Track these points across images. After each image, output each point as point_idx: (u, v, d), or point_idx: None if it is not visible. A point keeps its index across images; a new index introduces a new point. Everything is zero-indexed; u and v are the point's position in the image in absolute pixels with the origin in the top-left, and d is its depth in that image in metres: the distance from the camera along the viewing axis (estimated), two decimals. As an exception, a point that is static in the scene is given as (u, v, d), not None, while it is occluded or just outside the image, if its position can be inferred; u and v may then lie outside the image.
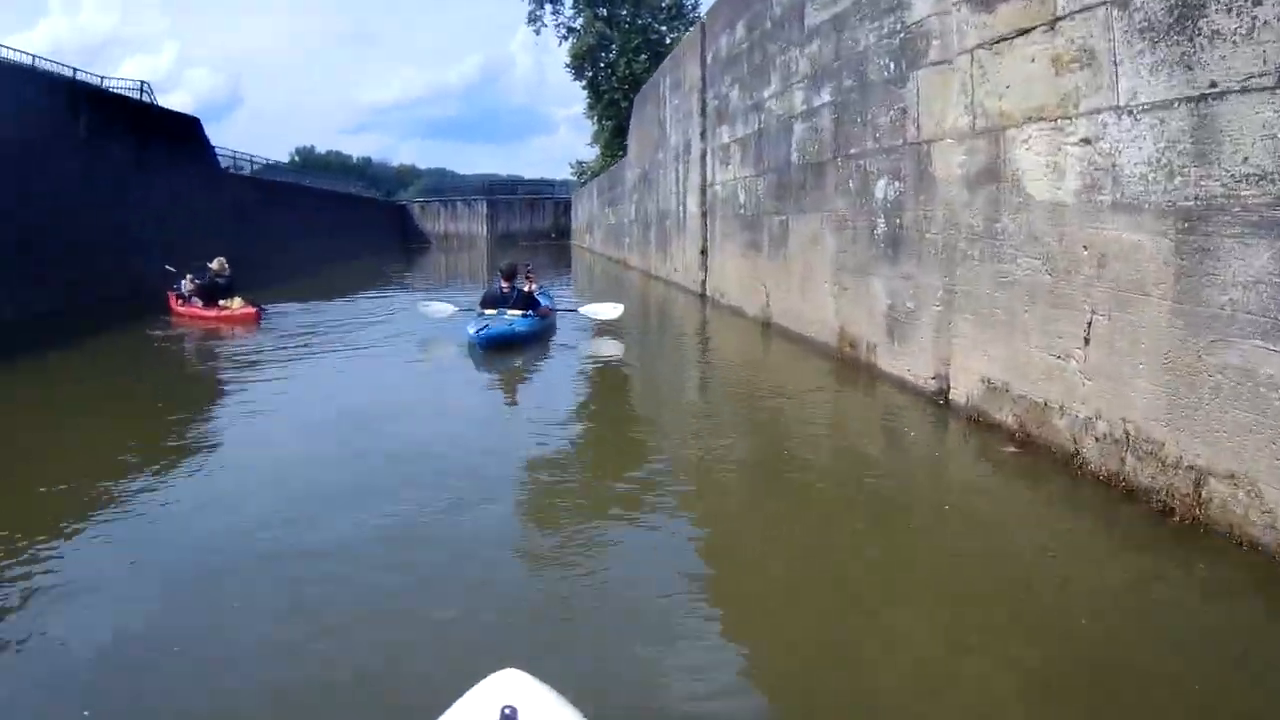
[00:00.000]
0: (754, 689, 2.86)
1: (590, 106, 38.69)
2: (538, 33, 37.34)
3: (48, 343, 11.01)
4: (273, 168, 39.55)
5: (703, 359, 10.14)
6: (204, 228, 22.07)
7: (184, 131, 22.70)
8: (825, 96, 8.50)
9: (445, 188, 70.69)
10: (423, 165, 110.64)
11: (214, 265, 13.32)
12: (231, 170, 28.15)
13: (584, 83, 37.30)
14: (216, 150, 26.69)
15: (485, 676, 1.87)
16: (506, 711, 1.66)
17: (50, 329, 12.19)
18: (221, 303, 12.87)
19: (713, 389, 8.49)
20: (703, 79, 14.09)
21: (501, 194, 64.57)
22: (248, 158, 31.56)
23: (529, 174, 71.25)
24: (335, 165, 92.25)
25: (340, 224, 41.91)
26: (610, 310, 11.35)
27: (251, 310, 12.62)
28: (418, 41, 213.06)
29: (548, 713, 1.76)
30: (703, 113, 14.10)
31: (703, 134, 14.13)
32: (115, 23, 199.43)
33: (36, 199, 14.70)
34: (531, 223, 62.07)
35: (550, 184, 66.56)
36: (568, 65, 36.83)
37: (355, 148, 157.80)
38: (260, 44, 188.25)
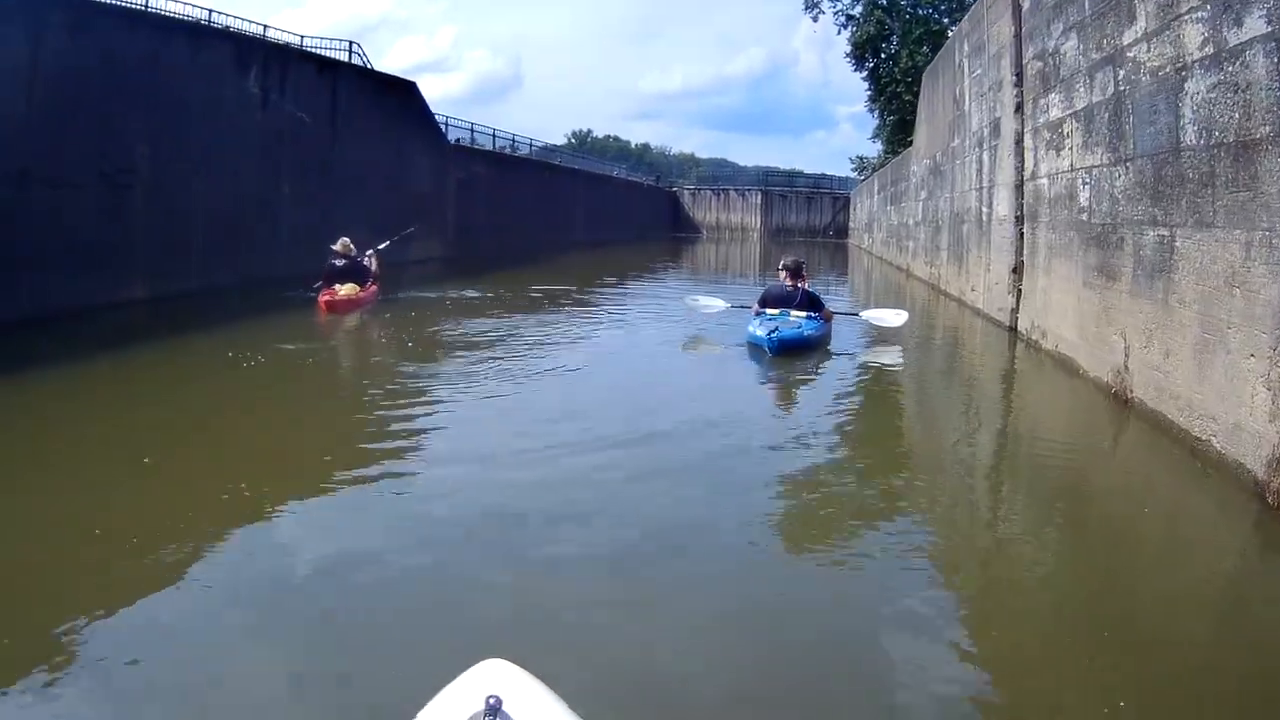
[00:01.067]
0: None
1: (872, 99, 37.22)
2: (815, 19, 36.31)
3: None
4: (547, 150, 39.87)
5: (1004, 430, 6.94)
6: (413, 202, 21.39)
7: (399, 96, 21.58)
8: (1256, 25, 4.80)
9: (721, 176, 69.06)
10: (702, 155, 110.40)
11: (336, 246, 12.42)
12: (464, 144, 27.20)
13: (864, 74, 36.06)
14: (449, 123, 26.07)
15: (471, 666, 1.89)
16: (491, 700, 1.67)
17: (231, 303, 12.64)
18: (337, 286, 12.03)
19: (1020, 491, 5.39)
20: (1017, 34, 10.33)
21: (778, 185, 61.65)
22: (489, 131, 30.98)
23: (808, 169, 67.70)
24: (612, 149, 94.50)
25: (599, 207, 41.48)
26: (894, 317, 10.40)
27: (357, 297, 12.12)
28: (700, 34, 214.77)
29: (532, 701, 1.77)
30: (1018, 80, 10.32)
31: (1018, 108, 10.33)
32: (390, 6, 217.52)
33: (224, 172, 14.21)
34: (808, 218, 59.04)
35: (829, 178, 62.67)
36: (847, 55, 35.67)
37: (635, 135, 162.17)
38: (540, 30, 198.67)
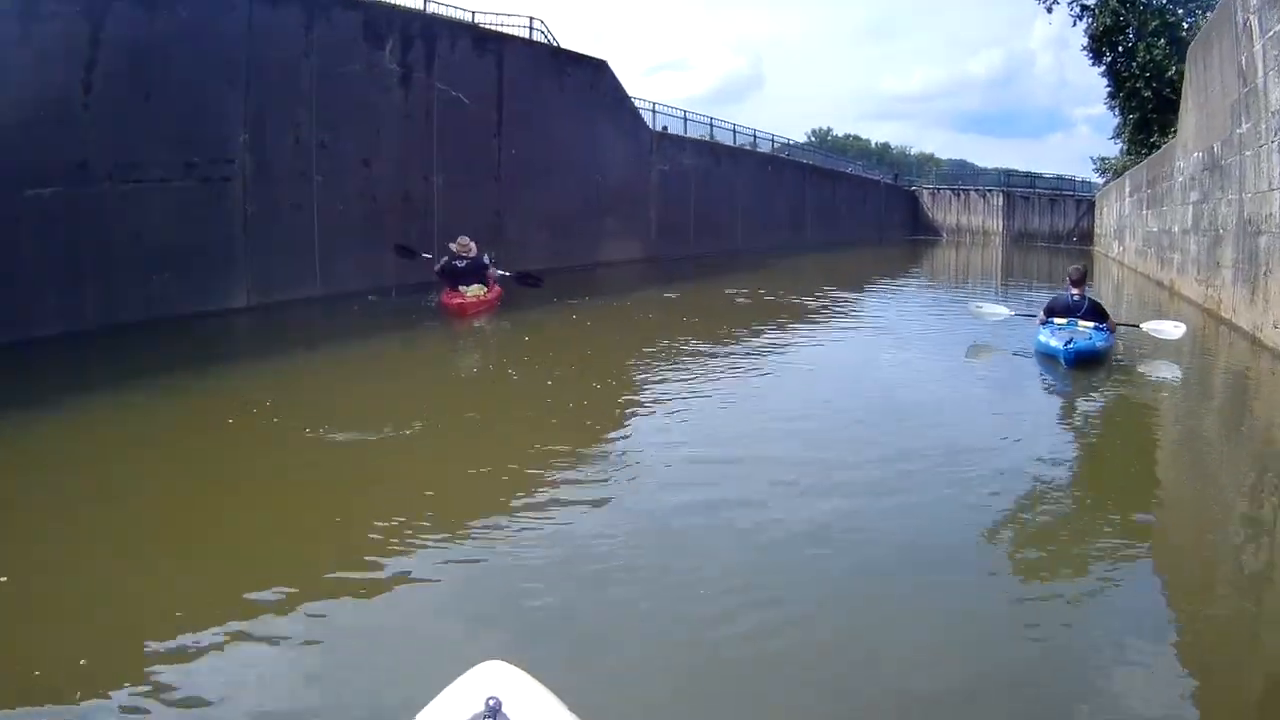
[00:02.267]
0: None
1: (1111, 96, 34.98)
2: (1050, 10, 33.67)
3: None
4: (791, 146, 38.01)
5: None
6: (605, 196, 19.85)
7: (585, 76, 19.49)
8: None
9: (962, 175, 63.97)
10: (942, 155, 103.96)
11: (454, 245, 11.59)
12: (668, 131, 24.75)
13: (1103, 68, 33.92)
14: (656, 109, 24.25)
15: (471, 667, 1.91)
16: (491, 702, 1.69)
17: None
18: (461, 288, 11.29)
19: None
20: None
21: (1019, 187, 56.07)
22: (705, 119, 28.75)
23: (1046, 171, 61.20)
24: (852, 148, 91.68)
25: (831, 206, 38.83)
26: (1173, 329, 10.18)
27: (486, 299, 11.49)
28: (938, 34, 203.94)
29: (532, 703, 1.79)
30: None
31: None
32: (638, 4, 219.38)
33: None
34: (1051, 222, 53.21)
35: (1071, 181, 55.99)
36: (1085, 48, 33.72)
37: (876, 134, 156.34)
38: (782, 29, 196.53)
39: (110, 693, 2.82)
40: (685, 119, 26.78)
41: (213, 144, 10.76)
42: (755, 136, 32.91)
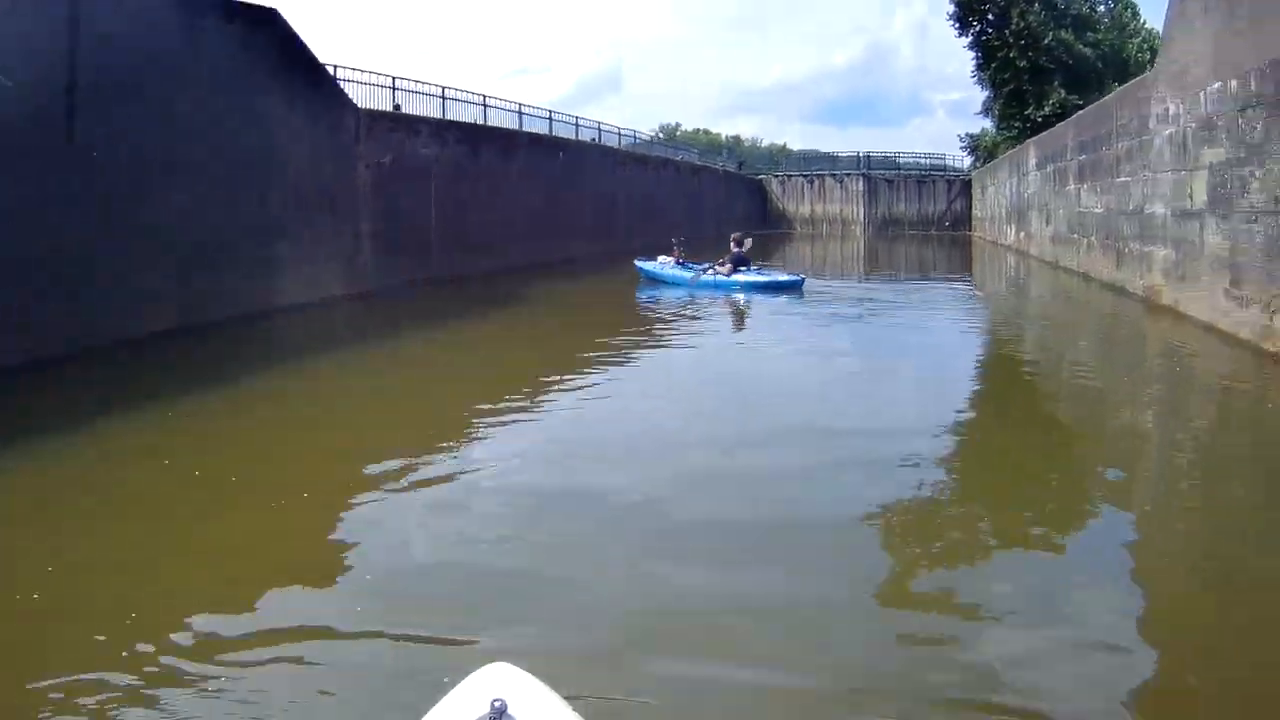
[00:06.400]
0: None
1: (979, 68, 34.17)
2: None
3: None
4: (602, 130, 30.38)
5: None
6: (269, 204, 12.77)
7: (244, 33, 12.30)
8: None
9: (816, 160, 58.02)
10: (795, 146, 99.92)
11: None
12: (400, 110, 17.48)
13: (969, 39, 33.12)
14: (397, 84, 17.29)
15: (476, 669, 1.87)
16: (496, 704, 1.67)
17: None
18: None
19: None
20: None
21: (881, 169, 51.00)
22: (478, 98, 21.31)
23: (913, 150, 56.76)
24: (702, 142, 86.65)
25: (650, 201, 31.15)
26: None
27: None
28: (800, 27, 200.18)
29: (537, 705, 1.77)
30: None
31: None
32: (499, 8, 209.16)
33: None
34: (920, 207, 48.45)
35: (941, 159, 51.43)
36: (950, 16, 32.68)
37: (732, 129, 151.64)
38: (645, 27, 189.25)
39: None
40: (444, 98, 19.44)
41: None
42: (551, 119, 25.29)
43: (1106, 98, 15.18)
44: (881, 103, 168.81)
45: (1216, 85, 9.64)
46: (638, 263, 17.02)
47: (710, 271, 15.38)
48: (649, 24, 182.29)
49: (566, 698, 1.85)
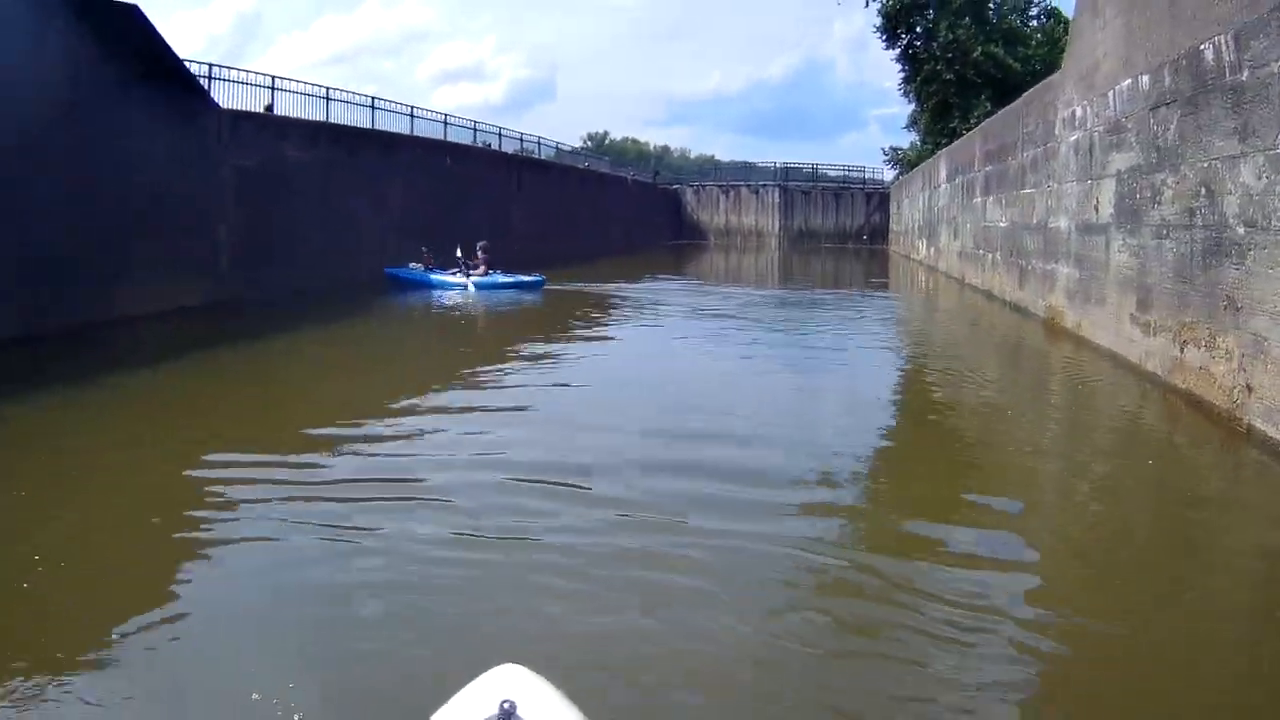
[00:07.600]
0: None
1: (906, 80, 32.75)
2: None
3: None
4: (502, 136, 28.56)
5: None
6: (119, 207, 11.51)
7: (97, 28, 11.11)
8: None
9: (735, 171, 57.16)
10: (725, 158, 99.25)
11: None
12: (271, 111, 16.16)
13: (896, 52, 31.99)
14: (276, 83, 16.09)
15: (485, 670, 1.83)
16: (505, 705, 1.64)
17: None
18: None
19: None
20: None
21: (799, 181, 50.36)
22: (367, 100, 19.98)
23: (832, 164, 55.73)
24: (631, 152, 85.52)
25: (549, 210, 29.17)
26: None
27: None
28: (734, 38, 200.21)
29: (547, 707, 1.74)
30: None
31: None
32: (433, 16, 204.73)
33: None
34: (837, 219, 48.10)
35: (860, 171, 50.99)
36: (877, 29, 31.38)
37: (663, 139, 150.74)
38: (578, 35, 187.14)
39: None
40: (328, 98, 18.09)
41: None
42: (447, 123, 23.49)
43: (1014, 103, 14.15)
44: (815, 116, 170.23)
45: (1127, 82, 8.49)
46: (388, 270, 17.46)
47: (459, 274, 16.72)
48: (578, 31, 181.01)
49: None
